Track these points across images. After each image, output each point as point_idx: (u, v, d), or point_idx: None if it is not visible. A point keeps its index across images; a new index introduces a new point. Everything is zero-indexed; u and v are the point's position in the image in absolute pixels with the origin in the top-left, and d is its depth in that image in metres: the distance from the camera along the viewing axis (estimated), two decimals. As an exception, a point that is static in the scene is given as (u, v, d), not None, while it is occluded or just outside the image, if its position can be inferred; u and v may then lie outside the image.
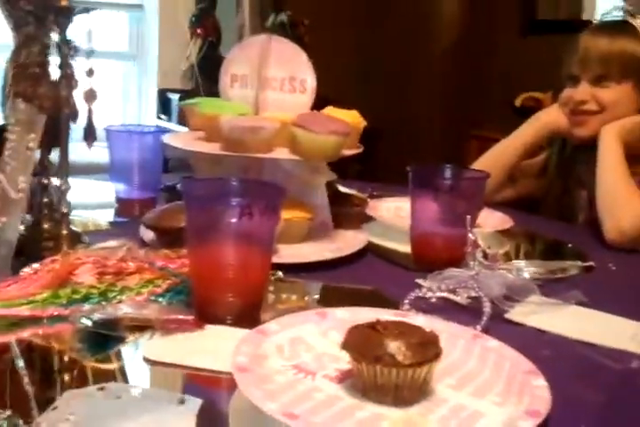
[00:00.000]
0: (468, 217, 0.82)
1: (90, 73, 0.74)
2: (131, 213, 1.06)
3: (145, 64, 3.12)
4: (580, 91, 1.18)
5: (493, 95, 3.21)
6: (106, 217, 1.04)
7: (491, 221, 1.03)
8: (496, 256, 0.76)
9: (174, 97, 2.88)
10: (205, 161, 0.91)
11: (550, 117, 1.25)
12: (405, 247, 0.92)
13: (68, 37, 0.73)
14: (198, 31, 3.05)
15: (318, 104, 0.94)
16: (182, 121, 2.74)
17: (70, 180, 0.78)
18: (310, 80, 0.94)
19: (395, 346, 0.51)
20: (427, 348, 0.51)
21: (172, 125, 2.78)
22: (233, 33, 3.08)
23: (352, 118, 0.93)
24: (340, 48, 3.23)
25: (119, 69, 3.17)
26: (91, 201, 1.17)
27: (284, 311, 0.72)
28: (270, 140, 0.86)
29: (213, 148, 0.87)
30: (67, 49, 0.72)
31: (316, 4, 3.26)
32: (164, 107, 2.89)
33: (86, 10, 0.72)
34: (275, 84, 0.95)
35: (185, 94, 2.87)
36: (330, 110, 0.96)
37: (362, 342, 0.52)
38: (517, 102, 2.89)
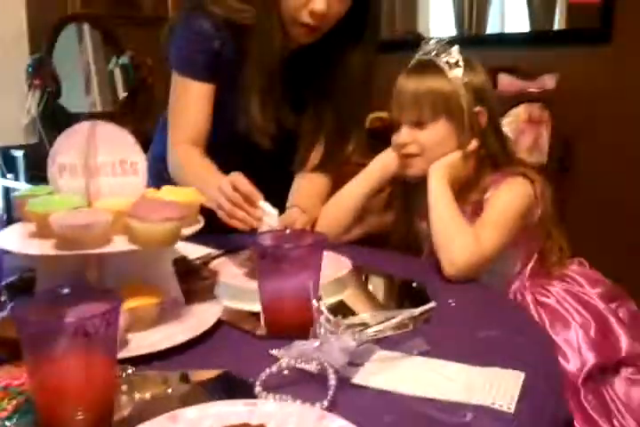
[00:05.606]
0: (310, 284, 0.87)
1: None
2: (-27, 314, 1.01)
3: (-18, 122, 2.95)
4: (401, 134, 1.26)
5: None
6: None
7: (329, 267, 1.05)
8: (339, 322, 0.81)
9: (19, 154, 2.76)
10: (43, 258, 0.89)
11: (384, 162, 1.33)
12: (259, 307, 0.94)
13: None
14: (35, 82, 2.94)
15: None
16: (30, 181, 2.64)
17: None
18: (141, 162, 0.95)
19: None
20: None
21: (21, 184, 2.66)
22: (73, 81, 3.00)
23: (188, 197, 0.95)
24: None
25: (-46, 129, 2.98)
26: None
27: (142, 405, 0.72)
28: (105, 233, 0.86)
29: (47, 246, 0.86)
30: None
31: (158, 43, 3.22)
32: (9, 165, 2.76)
33: None
34: (106, 170, 0.95)
35: (29, 150, 2.76)
36: (166, 190, 0.97)
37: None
38: (367, 124, 3.02)
